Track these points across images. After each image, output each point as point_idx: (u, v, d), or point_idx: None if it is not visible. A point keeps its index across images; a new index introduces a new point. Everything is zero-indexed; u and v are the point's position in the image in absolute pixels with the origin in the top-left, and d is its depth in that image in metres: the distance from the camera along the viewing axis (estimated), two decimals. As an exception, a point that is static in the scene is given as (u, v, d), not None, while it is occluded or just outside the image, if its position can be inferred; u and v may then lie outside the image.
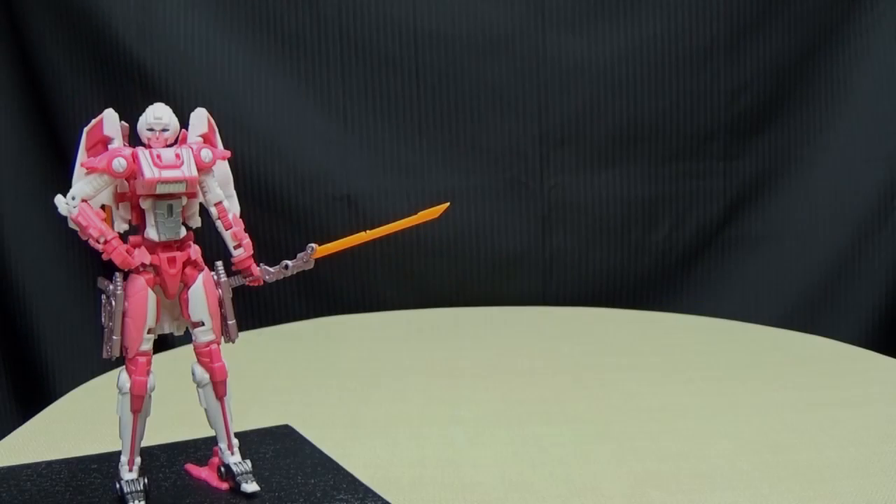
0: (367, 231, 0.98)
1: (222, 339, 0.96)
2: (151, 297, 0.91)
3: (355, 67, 1.96)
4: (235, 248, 0.95)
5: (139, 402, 0.91)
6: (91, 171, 0.89)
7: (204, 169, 0.92)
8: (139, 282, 0.91)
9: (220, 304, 0.95)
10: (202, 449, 1.06)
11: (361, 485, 0.98)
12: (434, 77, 1.98)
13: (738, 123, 2.04)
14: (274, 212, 1.95)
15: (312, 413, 1.25)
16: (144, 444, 0.94)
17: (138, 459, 0.93)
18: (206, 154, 0.92)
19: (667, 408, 1.25)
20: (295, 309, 1.99)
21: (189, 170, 0.90)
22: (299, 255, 0.96)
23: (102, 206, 0.91)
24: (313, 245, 0.96)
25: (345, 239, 0.97)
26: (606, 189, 2.04)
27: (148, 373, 0.92)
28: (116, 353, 0.92)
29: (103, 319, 0.92)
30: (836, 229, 2.05)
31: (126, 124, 0.93)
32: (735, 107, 2.03)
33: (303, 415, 1.22)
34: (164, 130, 0.91)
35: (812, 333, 1.64)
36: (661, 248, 2.07)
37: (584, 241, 2.05)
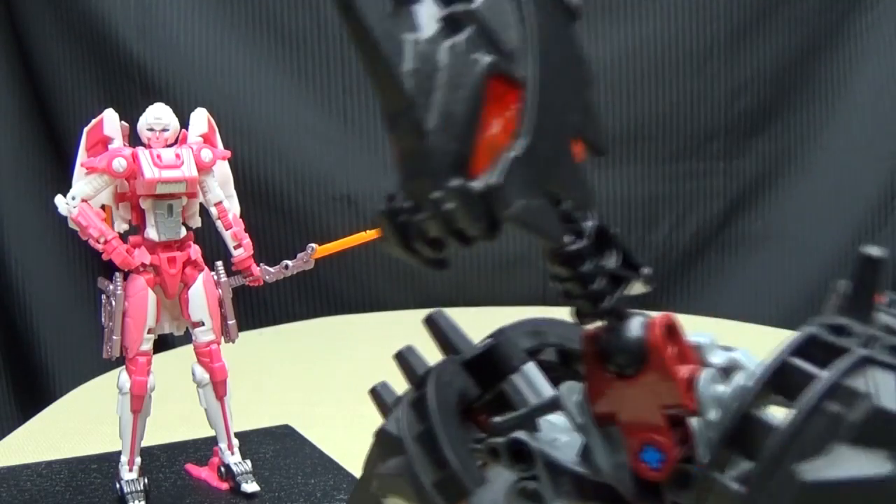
0: (367, 231, 0.98)
1: (222, 339, 0.96)
2: (151, 297, 0.91)
3: (355, 67, 1.96)
4: (235, 248, 0.95)
5: (139, 402, 0.91)
6: (91, 171, 0.90)
7: (204, 169, 0.93)
8: (139, 282, 0.91)
9: (220, 304, 0.95)
10: (202, 449, 1.06)
11: (361, 485, 0.98)
12: (434, 77, 1.97)
13: (738, 123, 2.04)
14: (274, 212, 1.95)
15: (312, 413, 1.24)
16: (144, 444, 0.94)
17: (138, 459, 0.93)
18: (206, 154, 0.92)
19: (667, 408, 1.25)
20: (295, 309, 1.99)
21: (189, 170, 0.91)
22: (299, 255, 0.96)
23: (102, 206, 0.92)
24: (313, 245, 0.96)
25: (345, 239, 0.98)
26: (606, 189, 2.04)
27: (148, 373, 0.92)
28: (116, 353, 0.92)
29: (103, 319, 0.92)
30: (836, 229, 2.05)
31: (126, 124, 0.93)
32: (735, 107, 2.03)
33: (303, 415, 1.22)
34: (164, 130, 0.91)
35: (812, 333, 1.64)
36: (661, 248, 2.07)
37: (584, 241, 2.04)
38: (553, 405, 0.45)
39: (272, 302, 1.98)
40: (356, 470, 1.01)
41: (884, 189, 2.04)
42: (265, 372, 1.44)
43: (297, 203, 1.96)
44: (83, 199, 0.89)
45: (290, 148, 1.95)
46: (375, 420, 1.31)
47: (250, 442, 1.08)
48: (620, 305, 0.43)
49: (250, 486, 0.95)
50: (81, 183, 0.90)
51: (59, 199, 0.90)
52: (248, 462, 0.97)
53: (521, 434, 0.45)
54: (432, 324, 0.53)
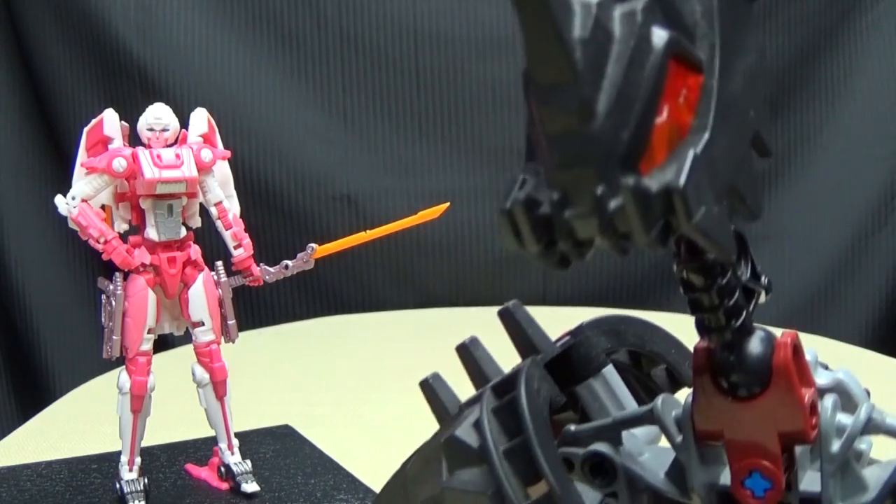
0: (367, 231, 0.98)
1: (222, 339, 0.96)
2: (151, 297, 0.91)
3: (355, 67, 1.96)
4: (235, 248, 0.95)
5: (139, 402, 0.91)
6: (91, 171, 0.90)
7: (204, 169, 0.93)
8: (139, 282, 0.91)
9: (220, 304, 0.95)
10: (202, 449, 1.06)
11: (361, 485, 0.98)
12: (434, 76, 1.97)
13: (738, 123, 2.04)
14: (274, 212, 1.95)
15: (312, 413, 1.24)
16: (144, 444, 0.94)
17: (138, 459, 0.93)
18: (206, 154, 0.92)
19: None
20: (295, 309, 1.99)
21: (189, 170, 0.91)
22: (299, 255, 0.96)
23: (102, 206, 0.92)
24: (313, 245, 0.96)
25: (345, 239, 0.98)
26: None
27: (148, 373, 0.92)
28: (116, 353, 0.92)
29: (103, 319, 0.92)
30: (836, 229, 2.05)
31: (126, 124, 0.93)
32: (735, 107, 2.03)
33: (303, 415, 1.22)
34: (164, 130, 0.91)
35: (812, 333, 1.64)
36: (662, 248, 2.07)
37: (584, 240, 2.04)
38: (644, 418, 0.42)
39: (272, 302, 1.99)
40: (356, 470, 1.01)
41: (884, 189, 2.04)
42: (265, 372, 1.44)
43: (297, 203, 1.96)
44: (83, 199, 0.89)
45: (290, 148, 1.95)
46: (375, 420, 1.30)
47: (250, 442, 1.08)
48: (749, 321, 0.38)
49: (250, 486, 0.95)
50: (81, 183, 0.90)
51: (59, 199, 0.90)
52: (248, 462, 0.97)
53: (602, 446, 0.42)
54: (508, 317, 0.48)
